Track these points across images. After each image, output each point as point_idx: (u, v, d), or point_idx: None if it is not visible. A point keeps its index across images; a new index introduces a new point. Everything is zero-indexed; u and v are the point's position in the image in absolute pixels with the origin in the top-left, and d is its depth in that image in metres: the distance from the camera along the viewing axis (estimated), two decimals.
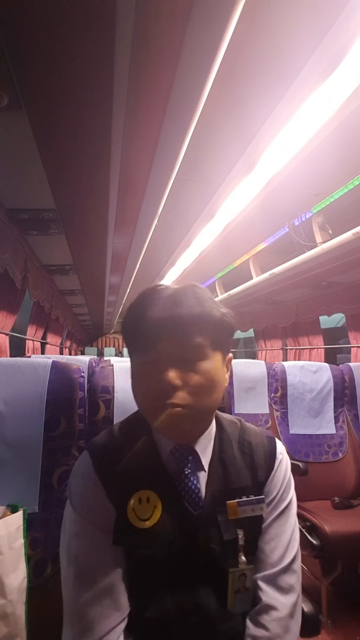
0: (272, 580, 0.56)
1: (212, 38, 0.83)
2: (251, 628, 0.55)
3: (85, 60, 0.81)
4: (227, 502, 0.56)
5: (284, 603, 0.55)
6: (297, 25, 0.99)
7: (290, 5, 0.94)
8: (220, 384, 0.55)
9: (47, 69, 0.83)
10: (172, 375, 0.51)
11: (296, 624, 0.55)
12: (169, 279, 3.84)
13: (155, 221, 1.93)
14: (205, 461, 0.59)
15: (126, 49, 0.81)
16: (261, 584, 0.57)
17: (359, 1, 0.88)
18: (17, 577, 0.75)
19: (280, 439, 1.73)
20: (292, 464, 1.70)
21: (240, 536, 0.55)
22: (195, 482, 0.57)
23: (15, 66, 0.82)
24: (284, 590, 0.56)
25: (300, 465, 1.55)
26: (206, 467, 0.59)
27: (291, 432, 1.78)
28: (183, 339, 0.52)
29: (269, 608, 0.55)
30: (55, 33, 0.74)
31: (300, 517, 1.48)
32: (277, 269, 2.50)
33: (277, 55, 1.08)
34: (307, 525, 1.43)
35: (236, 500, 0.57)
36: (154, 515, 0.54)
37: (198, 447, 0.59)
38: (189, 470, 0.58)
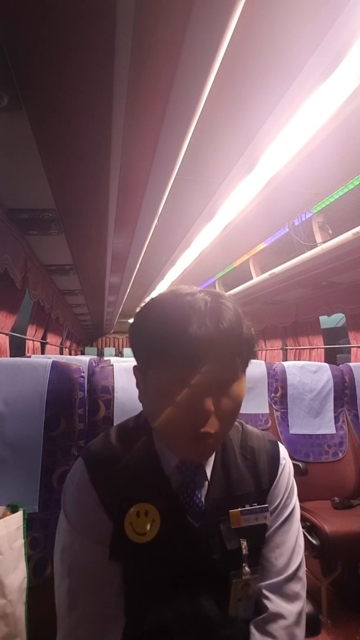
0: (278, 589, 0.55)
1: (212, 38, 0.83)
2: (257, 636, 0.53)
3: (85, 60, 0.81)
4: (230, 510, 0.54)
5: (290, 611, 0.53)
6: (297, 25, 0.99)
7: (290, 5, 0.94)
8: (241, 405, 0.52)
9: (47, 69, 0.83)
10: (209, 401, 0.47)
11: (302, 631, 0.54)
12: (169, 279, 3.84)
13: (155, 221, 1.93)
14: (209, 470, 0.57)
15: (126, 49, 0.81)
16: (266, 592, 0.55)
17: (359, 1, 0.88)
18: (17, 577, 0.75)
19: (280, 439, 1.74)
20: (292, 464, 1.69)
21: (243, 546, 0.53)
22: (199, 494, 0.55)
23: (15, 66, 0.82)
24: (290, 598, 0.54)
25: (300, 465, 1.55)
26: (209, 477, 0.56)
27: (291, 432, 1.78)
28: (225, 360, 0.47)
29: (276, 616, 0.53)
30: (55, 33, 0.74)
31: (300, 517, 1.48)
32: (277, 269, 2.50)
33: (277, 55, 1.08)
34: (307, 525, 1.43)
35: (239, 509, 0.54)
36: (153, 528, 0.51)
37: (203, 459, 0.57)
38: (195, 484, 0.55)
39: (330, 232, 2.15)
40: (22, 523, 0.80)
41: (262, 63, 1.11)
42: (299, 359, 3.83)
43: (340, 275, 2.52)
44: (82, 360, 2.08)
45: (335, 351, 5.17)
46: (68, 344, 6.07)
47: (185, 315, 0.46)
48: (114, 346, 9.40)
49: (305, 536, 1.40)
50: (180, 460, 0.55)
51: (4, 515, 0.78)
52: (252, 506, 0.55)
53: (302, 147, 1.38)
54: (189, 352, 0.45)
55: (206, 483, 0.56)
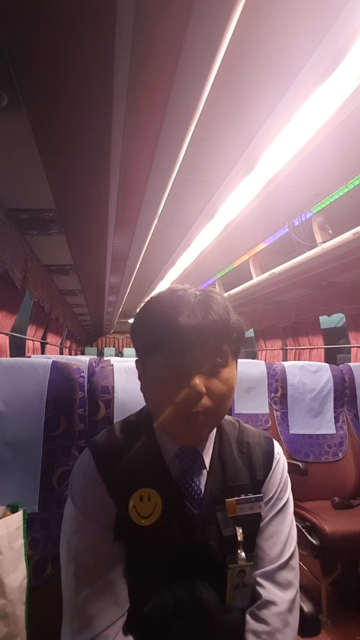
0: (271, 577, 0.57)
1: (212, 38, 0.83)
2: (251, 623, 0.56)
3: (85, 61, 0.81)
4: (226, 499, 0.57)
5: (283, 598, 0.56)
6: (297, 25, 0.99)
7: (290, 5, 0.94)
8: (234, 390, 0.57)
9: (47, 69, 0.83)
10: (200, 381, 0.51)
11: (295, 619, 0.57)
12: (169, 279, 3.84)
13: (155, 221, 1.93)
14: (207, 461, 0.60)
15: (126, 49, 0.81)
16: (260, 580, 0.58)
17: (359, 1, 0.88)
18: (17, 577, 0.75)
19: (280, 439, 1.74)
20: (292, 464, 1.70)
21: (239, 532, 0.56)
22: (197, 482, 0.59)
23: (15, 66, 0.82)
24: (282, 586, 0.57)
25: (300, 465, 1.55)
26: (207, 467, 0.60)
27: (291, 432, 1.78)
28: (213, 346, 0.53)
29: (269, 603, 0.56)
30: (55, 33, 0.74)
31: (300, 517, 1.48)
32: (277, 269, 2.50)
33: (277, 55, 1.08)
34: (307, 525, 1.43)
35: (235, 498, 0.58)
36: (155, 512, 0.55)
37: (201, 448, 0.60)
38: (193, 471, 0.59)
39: (330, 232, 2.15)
40: (22, 523, 0.80)
41: (262, 63, 1.11)
42: (299, 359, 3.82)
43: (340, 275, 2.52)
44: (82, 360, 2.08)
45: (335, 351, 5.17)
46: (68, 344, 6.07)
47: (177, 307, 0.52)
48: (114, 346, 9.40)
49: (305, 536, 1.40)
50: (179, 448, 0.59)
51: (4, 515, 0.78)
52: (247, 496, 0.58)
53: (302, 147, 1.38)
54: (180, 340, 0.51)
55: (204, 472, 0.59)
